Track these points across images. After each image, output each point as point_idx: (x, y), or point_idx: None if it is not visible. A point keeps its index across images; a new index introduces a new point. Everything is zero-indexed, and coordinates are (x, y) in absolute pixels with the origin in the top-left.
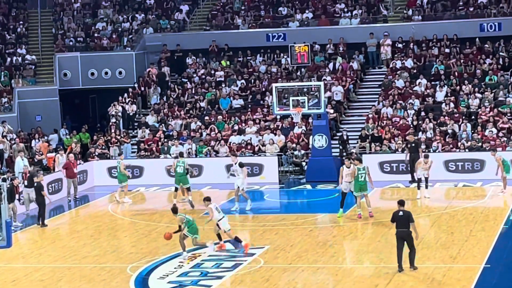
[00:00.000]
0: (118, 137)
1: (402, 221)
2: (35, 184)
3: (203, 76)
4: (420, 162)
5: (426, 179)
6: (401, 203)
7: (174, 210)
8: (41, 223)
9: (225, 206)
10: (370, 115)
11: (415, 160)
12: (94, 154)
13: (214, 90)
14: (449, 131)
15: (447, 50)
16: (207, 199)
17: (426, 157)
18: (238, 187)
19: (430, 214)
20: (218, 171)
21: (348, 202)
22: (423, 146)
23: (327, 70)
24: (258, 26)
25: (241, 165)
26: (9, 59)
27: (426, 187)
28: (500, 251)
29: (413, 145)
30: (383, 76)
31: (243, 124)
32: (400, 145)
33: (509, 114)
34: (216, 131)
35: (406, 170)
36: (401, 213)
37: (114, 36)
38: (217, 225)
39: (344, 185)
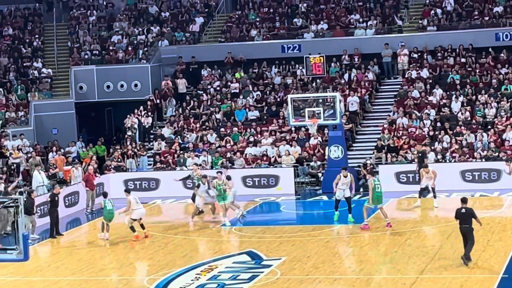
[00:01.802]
0: (134, 150)
1: (464, 218)
2: (49, 196)
3: (218, 88)
4: (422, 172)
5: (433, 189)
6: (464, 200)
7: (104, 194)
8: (56, 234)
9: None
10: (386, 126)
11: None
12: (110, 167)
13: (230, 101)
14: (464, 142)
15: (462, 60)
16: (127, 190)
17: (425, 166)
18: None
19: (447, 224)
20: (234, 182)
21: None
22: (439, 156)
23: (343, 81)
24: (273, 37)
25: (229, 178)
26: (25, 73)
27: (435, 197)
28: None
29: (419, 155)
30: (399, 86)
31: (259, 136)
32: (416, 155)
33: None
34: (232, 143)
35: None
36: (463, 210)
37: (129, 48)
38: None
39: (338, 192)
